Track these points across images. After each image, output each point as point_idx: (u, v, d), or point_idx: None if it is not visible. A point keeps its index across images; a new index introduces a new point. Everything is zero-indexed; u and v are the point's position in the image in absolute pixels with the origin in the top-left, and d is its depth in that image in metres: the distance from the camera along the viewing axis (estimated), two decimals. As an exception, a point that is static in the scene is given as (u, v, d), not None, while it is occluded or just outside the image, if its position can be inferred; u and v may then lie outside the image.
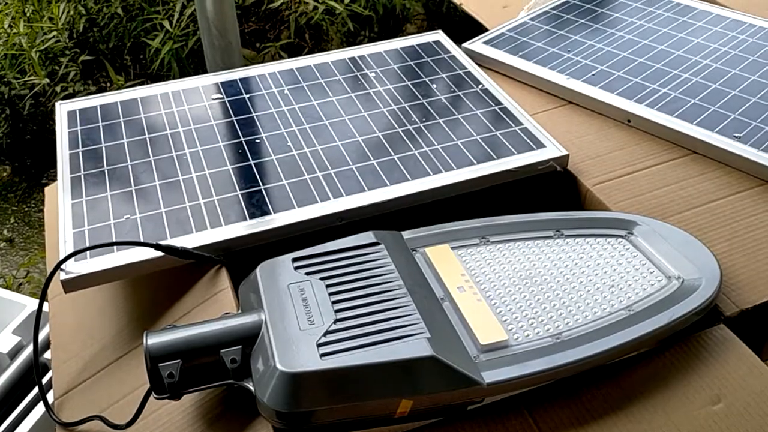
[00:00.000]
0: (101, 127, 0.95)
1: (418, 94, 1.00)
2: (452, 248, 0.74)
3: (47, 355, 0.97)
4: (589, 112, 0.99)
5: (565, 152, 0.88)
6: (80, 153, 0.90)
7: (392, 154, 0.88)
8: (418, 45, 1.12)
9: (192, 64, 2.28)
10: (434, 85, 1.02)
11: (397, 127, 0.93)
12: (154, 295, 0.80)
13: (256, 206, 0.81)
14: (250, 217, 0.79)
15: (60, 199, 0.83)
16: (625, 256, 0.73)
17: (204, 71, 1.80)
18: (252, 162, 0.88)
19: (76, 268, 0.74)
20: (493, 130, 0.92)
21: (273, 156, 0.88)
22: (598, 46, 1.10)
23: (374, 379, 0.58)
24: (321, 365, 0.57)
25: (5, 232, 2.17)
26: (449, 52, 1.10)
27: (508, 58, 1.09)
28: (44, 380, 0.94)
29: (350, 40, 2.39)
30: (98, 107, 0.99)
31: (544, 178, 0.89)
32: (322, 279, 0.66)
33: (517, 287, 0.70)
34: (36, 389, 1.00)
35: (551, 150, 0.88)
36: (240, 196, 0.83)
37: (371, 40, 2.40)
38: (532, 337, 0.65)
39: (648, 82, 1.00)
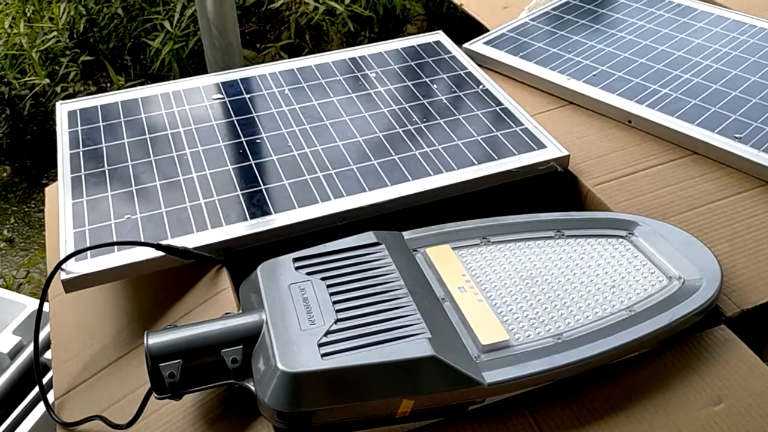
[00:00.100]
0: (102, 127, 0.95)
1: (418, 95, 1.00)
2: (453, 248, 0.74)
3: (48, 355, 0.97)
4: (590, 112, 0.99)
5: (565, 153, 0.88)
6: (81, 153, 0.90)
7: (393, 154, 0.88)
8: (418, 45, 1.12)
9: (192, 64, 2.28)
10: (435, 86, 1.02)
11: (397, 127, 0.93)
12: (155, 295, 0.79)
13: (257, 206, 0.81)
14: (251, 217, 0.79)
15: (60, 198, 0.83)
16: (626, 257, 0.73)
17: (204, 72, 1.80)
18: (253, 162, 0.88)
19: (76, 267, 0.74)
20: (494, 130, 0.92)
21: (274, 156, 0.88)
22: (598, 46, 1.10)
23: (375, 379, 0.58)
24: (322, 365, 0.57)
25: (5, 232, 2.17)
26: (450, 53, 1.10)
27: (509, 59, 1.09)
28: (45, 380, 0.94)
29: (350, 41, 2.39)
30: (99, 107, 0.99)
31: (544, 179, 0.89)
32: (323, 279, 0.66)
33: (518, 287, 0.69)
34: (36, 389, 1.00)
35: (552, 150, 0.88)
36: (241, 196, 0.83)
37: (371, 40, 2.41)
38: (533, 338, 0.65)
39: (649, 82, 1.00)
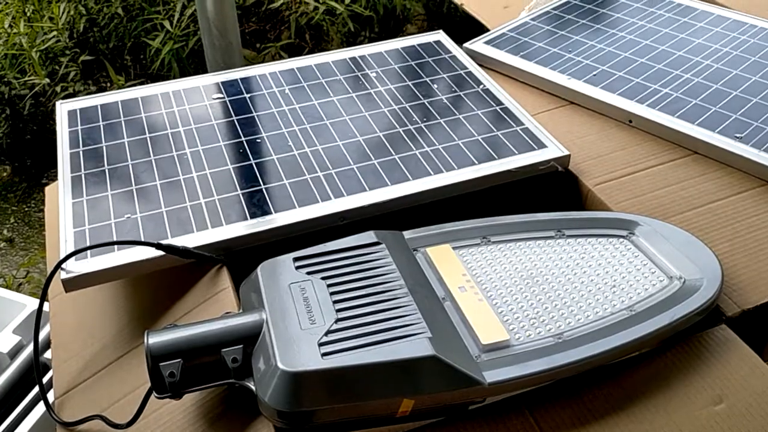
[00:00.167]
0: (102, 126, 0.95)
1: (419, 94, 1.00)
2: (453, 248, 0.74)
3: (48, 354, 0.97)
4: (591, 112, 0.99)
5: (566, 152, 0.88)
6: (81, 152, 0.90)
7: (393, 153, 0.88)
8: (419, 45, 1.12)
9: (192, 64, 2.28)
10: (435, 85, 1.02)
11: (398, 126, 0.93)
12: (155, 295, 0.79)
13: (257, 206, 0.81)
14: (251, 217, 0.79)
15: (60, 198, 0.83)
16: (627, 257, 0.73)
17: (204, 71, 1.80)
18: (253, 161, 0.88)
19: (76, 267, 0.74)
20: (494, 130, 0.92)
21: (274, 155, 0.88)
22: (599, 46, 1.10)
23: (375, 378, 0.58)
24: (322, 364, 0.57)
25: (5, 232, 2.17)
26: (450, 52, 1.10)
27: (509, 59, 1.09)
28: (45, 380, 0.94)
29: (351, 41, 2.39)
30: (99, 107, 0.99)
31: (545, 178, 0.89)
32: (323, 279, 0.66)
33: (519, 287, 0.69)
34: (36, 389, 1.00)
35: (552, 150, 0.88)
36: (241, 195, 0.82)
37: (371, 40, 2.40)
38: (533, 337, 0.64)
39: (649, 82, 1.00)
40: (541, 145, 0.89)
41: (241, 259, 0.78)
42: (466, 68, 1.05)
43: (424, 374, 0.58)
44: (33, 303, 1.12)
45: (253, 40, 2.45)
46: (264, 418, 0.63)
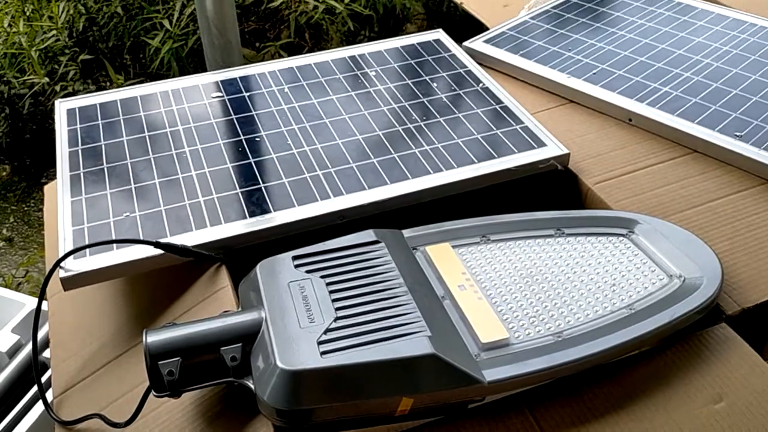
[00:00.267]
0: (101, 125, 0.95)
1: (418, 93, 0.99)
2: (453, 247, 0.73)
3: (46, 353, 0.97)
4: (590, 110, 0.99)
5: (565, 151, 0.88)
6: (80, 151, 0.90)
7: (393, 152, 0.88)
8: (418, 44, 1.12)
9: (192, 63, 2.28)
10: (435, 84, 1.01)
11: (397, 125, 0.93)
12: (154, 294, 0.79)
13: (256, 204, 0.81)
14: (250, 216, 0.79)
15: (59, 196, 0.83)
16: (626, 255, 0.73)
17: (204, 71, 1.80)
18: (252, 160, 0.87)
19: (75, 265, 0.74)
20: (494, 128, 0.92)
21: (273, 154, 0.88)
22: (598, 44, 1.10)
23: (375, 377, 0.57)
24: (321, 363, 0.57)
25: (4, 231, 2.17)
26: (450, 51, 1.09)
27: (509, 57, 1.08)
28: (43, 379, 0.94)
29: (350, 40, 2.39)
30: (98, 105, 0.99)
31: (544, 177, 0.89)
32: (322, 277, 0.66)
33: (518, 286, 0.69)
34: (35, 388, 1.00)
35: (552, 149, 0.88)
36: (240, 194, 0.82)
37: (371, 39, 2.40)
38: (533, 336, 0.64)
39: (649, 80, 1.00)
40: (541, 144, 0.89)
41: (240, 257, 0.78)
42: (466, 67, 1.05)
43: (424, 373, 0.58)
44: (32, 302, 1.11)
45: (252, 39, 2.45)
46: (263, 417, 0.62)
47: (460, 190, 0.84)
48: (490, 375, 0.60)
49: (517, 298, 0.68)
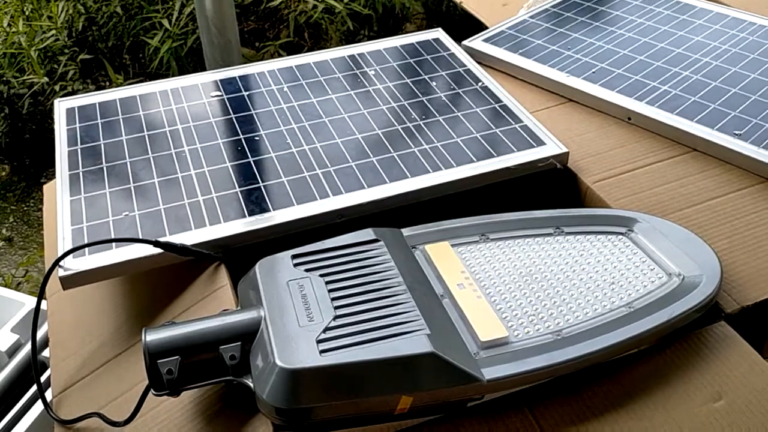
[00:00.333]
0: (100, 124, 0.95)
1: (417, 92, 0.99)
2: (452, 245, 0.73)
3: (46, 353, 0.97)
4: (589, 109, 0.99)
5: (565, 150, 0.87)
6: (79, 150, 0.90)
7: (392, 151, 0.88)
8: (417, 43, 1.12)
9: (191, 62, 2.28)
10: (434, 83, 1.01)
11: (396, 124, 0.93)
12: (153, 293, 0.79)
13: (256, 203, 0.81)
14: (250, 215, 0.79)
15: (58, 196, 0.83)
16: (626, 254, 0.73)
17: (203, 70, 1.80)
18: (251, 159, 0.87)
19: (74, 264, 0.74)
20: (493, 127, 0.92)
21: (272, 153, 0.88)
22: (598, 43, 1.10)
23: (374, 375, 0.57)
24: (320, 361, 0.57)
25: (4, 231, 2.17)
26: (449, 50, 1.09)
27: (508, 56, 1.08)
28: (43, 378, 0.94)
29: (350, 39, 2.39)
30: (97, 104, 0.98)
31: (544, 176, 0.89)
32: (321, 276, 0.66)
33: (517, 284, 0.69)
34: (35, 387, 0.99)
35: (551, 147, 0.88)
36: (239, 193, 0.82)
37: (371, 39, 2.40)
38: (532, 334, 0.64)
39: (648, 79, 1.00)
40: (540, 143, 0.89)
41: (239, 256, 0.78)
42: (465, 66, 1.05)
43: (423, 371, 0.58)
44: (31, 301, 1.11)
45: (252, 38, 2.45)
46: (262, 416, 0.62)
47: (459, 189, 0.84)
48: (489, 373, 0.60)
49: (516, 296, 0.68)
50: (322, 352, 0.58)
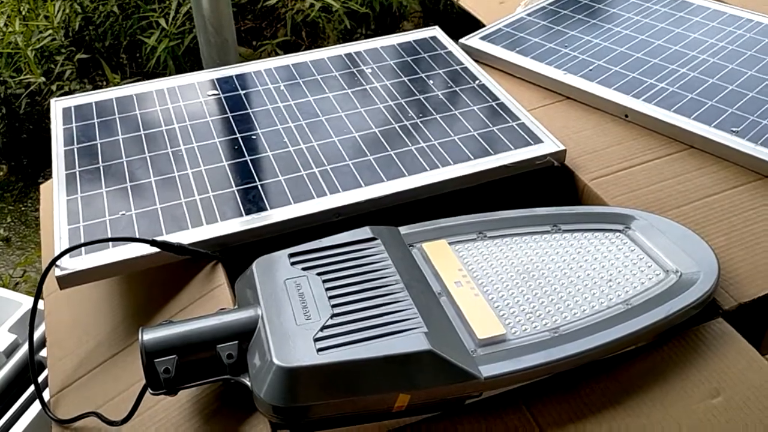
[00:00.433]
0: (96, 123, 0.94)
1: (414, 90, 0.99)
2: (449, 243, 0.73)
3: (44, 352, 0.97)
4: (587, 107, 0.99)
5: (562, 147, 0.87)
6: (75, 150, 0.90)
7: (389, 149, 0.88)
8: (414, 41, 1.12)
9: (188, 62, 2.28)
10: (431, 81, 1.01)
11: (393, 122, 0.93)
12: (150, 292, 0.79)
13: (252, 202, 0.81)
14: (246, 213, 0.79)
15: (55, 195, 0.83)
16: (623, 251, 0.73)
17: (200, 69, 1.80)
18: (248, 158, 0.87)
19: (71, 264, 0.74)
20: (490, 125, 0.92)
21: (269, 152, 0.88)
22: (595, 41, 1.10)
23: (371, 373, 0.57)
24: (318, 360, 0.57)
25: (2, 231, 2.16)
26: (446, 48, 1.09)
27: (505, 54, 1.08)
28: (41, 378, 0.94)
29: (347, 38, 2.39)
30: (93, 104, 0.98)
31: (541, 173, 0.89)
32: (318, 274, 0.66)
33: (515, 282, 0.69)
34: (32, 387, 0.99)
35: (548, 145, 0.88)
36: (236, 192, 0.82)
37: (368, 37, 2.40)
38: (529, 332, 0.64)
39: (645, 77, 1.00)
40: (537, 140, 0.89)
41: (236, 255, 0.78)
42: (462, 64, 1.05)
43: (420, 369, 0.58)
44: (29, 301, 1.11)
45: (249, 37, 2.45)
46: (260, 414, 0.62)
47: (457, 187, 0.84)
48: (487, 371, 0.60)
49: (513, 294, 0.68)
50: (320, 350, 0.57)
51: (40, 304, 0.78)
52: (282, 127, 0.92)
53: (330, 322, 0.60)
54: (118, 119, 0.95)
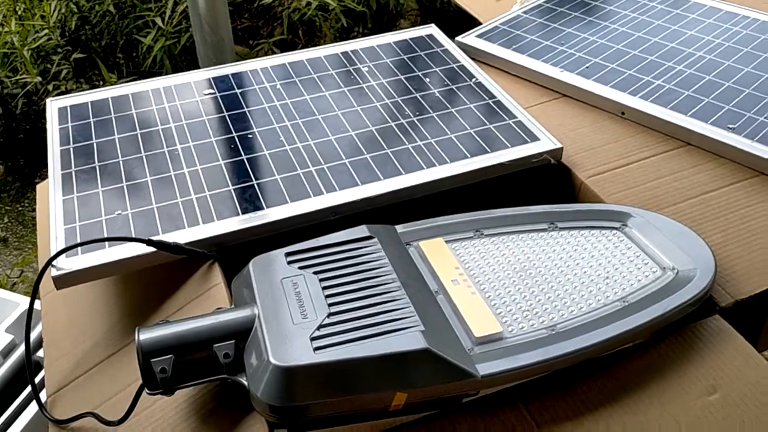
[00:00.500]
0: (92, 123, 0.94)
1: (411, 88, 0.99)
2: (446, 242, 0.73)
3: (41, 353, 0.97)
4: (583, 104, 0.99)
5: (559, 145, 0.87)
6: (71, 149, 0.90)
7: (385, 148, 0.88)
8: (411, 39, 1.11)
9: (184, 61, 2.27)
10: (427, 79, 1.01)
11: (390, 121, 0.93)
12: (146, 292, 0.79)
13: (249, 201, 0.80)
14: (243, 212, 0.79)
15: (51, 195, 0.83)
16: (620, 248, 0.73)
17: (196, 68, 1.80)
18: (244, 157, 0.87)
19: (67, 264, 0.74)
20: (487, 123, 0.92)
21: (265, 151, 0.88)
22: (591, 38, 1.10)
23: (368, 372, 0.57)
24: (314, 359, 0.57)
25: (-1, 231, 2.16)
26: (442, 46, 1.09)
27: (502, 52, 1.08)
28: (38, 378, 0.94)
29: (344, 36, 2.39)
30: (89, 103, 0.98)
31: (538, 171, 0.88)
32: (315, 273, 0.66)
33: (512, 280, 0.69)
34: (29, 387, 0.99)
35: (545, 143, 0.88)
36: (232, 191, 0.82)
37: (365, 36, 2.40)
38: (526, 329, 0.64)
39: (642, 74, 1.00)
40: (534, 138, 0.89)
41: (232, 254, 0.78)
42: (459, 62, 1.05)
43: (417, 367, 0.58)
44: (26, 302, 1.11)
45: (245, 36, 2.44)
46: (257, 414, 0.62)
47: (453, 185, 0.84)
48: (484, 369, 0.60)
49: (510, 292, 0.68)
50: (317, 349, 0.57)
51: (37, 305, 0.78)
52: (278, 126, 0.92)
53: (327, 321, 0.60)
54: (114, 119, 0.95)
